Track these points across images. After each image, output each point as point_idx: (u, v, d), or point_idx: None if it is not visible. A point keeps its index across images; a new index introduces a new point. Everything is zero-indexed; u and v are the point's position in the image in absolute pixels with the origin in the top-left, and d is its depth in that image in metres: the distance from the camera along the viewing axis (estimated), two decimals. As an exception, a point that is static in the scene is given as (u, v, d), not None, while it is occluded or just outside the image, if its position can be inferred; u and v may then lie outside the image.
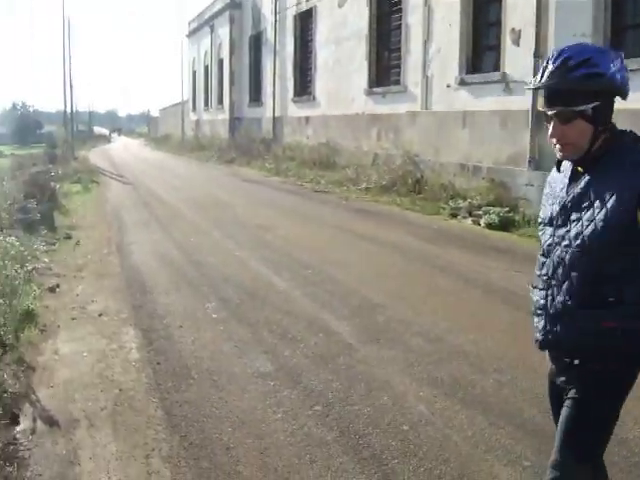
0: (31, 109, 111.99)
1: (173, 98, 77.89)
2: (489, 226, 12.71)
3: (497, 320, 6.71)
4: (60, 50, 41.71)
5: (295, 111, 29.22)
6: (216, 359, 5.65)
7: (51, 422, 4.62)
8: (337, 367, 5.41)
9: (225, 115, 40.28)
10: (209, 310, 7.07)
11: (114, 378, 5.34)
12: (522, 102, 14.01)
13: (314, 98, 26.81)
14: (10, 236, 8.43)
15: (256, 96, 35.58)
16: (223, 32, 40.84)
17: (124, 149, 62.01)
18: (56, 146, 39.39)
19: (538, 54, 13.54)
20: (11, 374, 5.31)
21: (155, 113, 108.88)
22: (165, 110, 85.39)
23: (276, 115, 31.22)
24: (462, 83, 16.32)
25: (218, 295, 7.71)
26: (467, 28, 16.35)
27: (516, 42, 14.32)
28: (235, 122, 37.94)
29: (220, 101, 42.53)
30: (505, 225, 12.60)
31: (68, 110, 44.16)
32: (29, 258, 8.77)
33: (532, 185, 13.60)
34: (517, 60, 14.30)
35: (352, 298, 7.46)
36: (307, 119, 27.47)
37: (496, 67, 15.18)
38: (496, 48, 15.26)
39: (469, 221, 13.47)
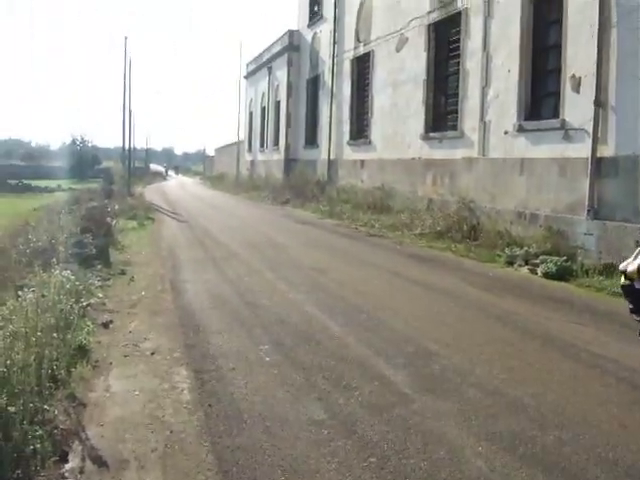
0: (89, 144, 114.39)
1: (229, 138, 78.71)
2: (546, 275, 12.48)
3: (557, 373, 6.51)
4: (119, 87, 42.52)
5: (350, 154, 29.30)
6: (269, 404, 5.55)
7: (100, 462, 4.58)
8: (393, 417, 5.27)
9: (280, 156, 40.62)
10: (262, 353, 6.99)
11: (165, 419, 5.29)
12: (582, 150, 13.88)
13: (370, 142, 26.85)
14: (66, 270, 8.46)
15: (312, 138, 35.81)
16: (281, 74, 41.36)
17: (179, 187, 62.87)
18: (113, 182, 40.12)
19: (599, 102, 13.42)
20: (62, 410, 5.32)
21: (210, 152, 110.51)
22: (221, 149, 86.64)
23: (331, 158, 31.35)
24: (520, 129, 16.19)
25: (271, 337, 7.63)
26: (526, 74, 16.27)
27: (576, 89, 14.19)
28: (290, 163, 38.27)
29: (276, 142, 42.90)
30: (563, 275, 12.34)
31: (126, 147, 44.80)
32: (84, 293, 8.84)
33: (591, 234, 13.37)
34: (577, 107, 14.16)
35: (407, 345, 7.32)
36: (362, 162, 27.51)
37: (555, 114, 15.03)
38: (555, 95, 15.12)
39: (526, 269, 13.25)
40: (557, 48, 15.05)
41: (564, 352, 7.28)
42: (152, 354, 7.02)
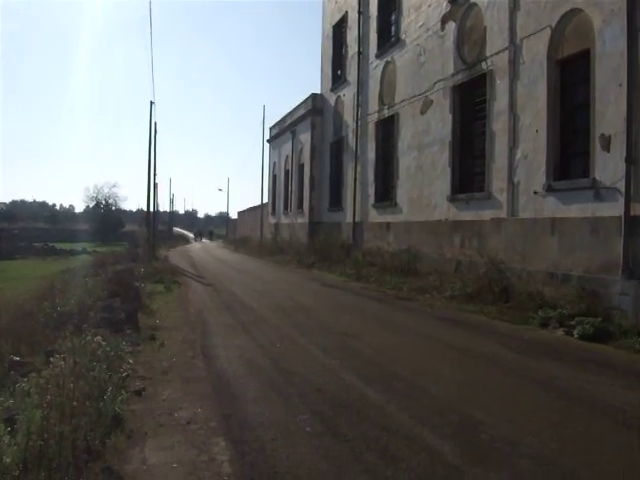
0: (113, 207, 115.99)
1: (252, 201, 79.63)
2: (583, 337, 12.23)
3: (610, 441, 6.25)
4: (144, 150, 43.10)
5: (376, 216, 29.29)
6: (313, 477, 5.33)
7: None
8: (444, 491, 5.05)
9: (304, 219, 40.74)
10: (302, 423, 6.77)
11: (206, 494, 5.09)
12: (614, 208, 13.77)
13: (395, 204, 26.86)
14: (96, 335, 8.35)
15: (336, 201, 35.92)
16: (304, 137, 41.76)
17: (203, 250, 63.21)
18: (138, 245, 40.40)
19: (630, 159, 13.33)
20: (99, 485, 5.15)
21: (233, 215, 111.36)
22: (244, 212, 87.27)
23: (356, 220, 31.40)
24: (550, 189, 16.11)
25: (310, 406, 7.41)
26: (554, 134, 16.29)
27: (606, 148, 14.14)
28: (315, 226, 38.34)
29: (300, 205, 43.07)
30: (600, 336, 12.08)
31: (151, 210, 45.02)
32: (115, 359, 8.70)
33: (627, 294, 13.16)
34: (607, 166, 14.12)
35: (451, 414, 7.08)
36: (388, 225, 27.46)
37: (585, 173, 14.96)
38: (585, 154, 15.07)
39: (561, 331, 12.98)
40: (585, 107, 15.05)
41: (614, 418, 7.02)
42: (188, 423, 6.84)
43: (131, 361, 9.61)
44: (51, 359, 6.78)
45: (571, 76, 16.04)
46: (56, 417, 5.31)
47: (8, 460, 4.65)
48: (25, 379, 6.39)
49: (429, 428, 6.58)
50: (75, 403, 5.74)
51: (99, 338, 8.17)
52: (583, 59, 15.13)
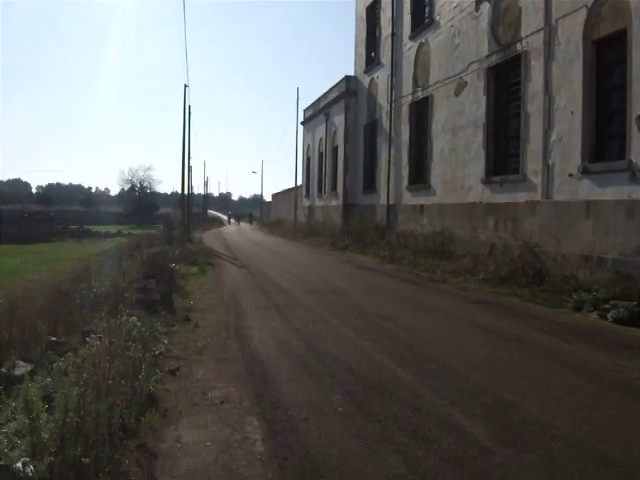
0: (148, 190, 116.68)
1: (286, 183, 79.70)
2: (617, 321, 12.15)
3: (642, 425, 6.24)
4: (178, 133, 43.22)
5: (410, 199, 29.22)
6: (345, 457, 5.37)
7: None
8: (474, 471, 5.06)
9: (338, 201, 40.74)
10: (334, 403, 6.83)
11: (239, 472, 5.15)
12: (650, 191, 13.60)
13: (429, 186, 26.76)
14: (132, 316, 8.46)
15: (370, 183, 35.86)
16: (338, 120, 41.67)
17: (237, 233, 63.48)
18: (172, 227, 40.67)
19: (667, 141, 13.18)
20: (134, 461, 5.24)
21: (267, 197, 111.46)
22: (278, 195, 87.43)
23: (390, 202, 31.33)
24: (585, 172, 15.95)
25: (342, 387, 7.47)
26: (590, 116, 16.10)
27: (643, 130, 13.96)
28: (349, 209, 38.32)
29: (334, 188, 43.07)
30: (635, 320, 11.98)
31: (186, 192, 45.22)
32: (150, 339, 8.82)
33: (662, 278, 13.03)
34: (644, 148, 13.93)
35: (483, 395, 7.10)
36: (422, 207, 27.38)
37: (621, 155, 14.80)
38: (621, 136, 14.91)
39: (595, 315, 12.91)
40: (621, 88, 14.87)
41: (647, 403, 7.00)
42: (221, 403, 6.94)
43: (166, 341, 9.76)
44: (87, 339, 6.89)
45: (607, 57, 15.84)
46: (92, 395, 5.40)
47: (46, 436, 4.74)
48: (62, 358, 6.48)
49: (460, 409, 6.60)
50: (111, 382, 5.83)
51: (134, 319, 8.27)
52: (620, 39, 14.92)
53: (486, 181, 21.55)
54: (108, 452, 5.01)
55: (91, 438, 4.94)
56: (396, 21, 31.81)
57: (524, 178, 18.97)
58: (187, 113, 40.73)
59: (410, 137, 29.70)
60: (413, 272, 21.18)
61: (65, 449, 4.68)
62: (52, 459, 4.50)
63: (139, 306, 11.27)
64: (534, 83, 18.56)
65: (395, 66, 31.74)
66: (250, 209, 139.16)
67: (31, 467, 4.38)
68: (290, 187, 66.98)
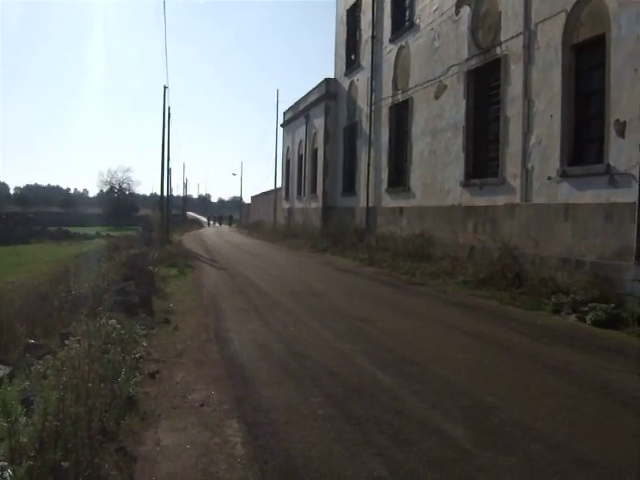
0: (127, 192, 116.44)
1: (265, 185, 79.84)
2: (596, 323, 12.23)
3: (621, 427, 6.26)
4: (157, 135, 43.10)
5: (389, 202, 29.27)
6: (326, 460, 5.36)
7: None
8: (455, 474, 5.07)
9: (318, 204, 40.74)
10: (315, 406, 6.82)
11: (219, 475, 5.14)
12: (628, 195, 13.70)
13: (409, 189, 26.81)
14: (111, 318, 8.42)
15: (350, 186, 35.88)
16: (318, 122, 41.68)
17: (216, 234, 63.39)
18: (152, 229, 40.54)
19: (646, 145, 13.27)
20: (113, 465, 5.20)
21: (247, 199, 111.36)
22: (257, 197, 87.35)
23: (370, 205, 31.39)
24: (564, 175, 16.04)
25: (322, 390, 7.46)
26: (569, 120, 16.20)
27: (621, 133, 14.06)
28: (328, 211, 38.36)
29: (313, 190, 43.06)
30: (613, 323, 12.09)
31: (165, 194, 45.02)
32: (129, 342, 8.77)
33: (640, 281, 13.11)
34: (622, 152, 14.03)
35: (463, 398, 7.11)
36: (401, 210, 27.43)
37: (599, 159, 14.89)
38: (599, 140, 14.99)
39: (573, 317, 12.99)
40: (600, 92, 14.96)
41: (626, 405, 7.03)
42: (201, 406, 6.91)
43: (145, 344, 9.70)
44: (66, 342, 6.82)
45: (586, 61, 15.93)
46: (71, 398, 5.36)
47: (25, 440, 4.71)
48: (41, 361, 6.45)
49: (441, 412, 6.62)
50: (90, 385, 5.78)
51: (113, 321, 8.23)
52: (598, 44, 15.01)
53: (465, 184, 21.62)
54: (87, 456, 4.96)
55: (70, 442, 4.91)
56: (376, 24, 31.86)
57: (503, 181, 19.05)
58: (167, 114, 40.61)
59: (390, 140, 29.75)
60: (392, 274, 21.22)
61: (44, 453, 4.64)
62: (31, 463, 4.46)
63: (118, 308, 11.18)
64: (513, 87, 18.66)
65: (375, 69, 31.79)
66: (229, 211, 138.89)
67: (9, 471, 4.34)
68: (270, 189, 67.01)
